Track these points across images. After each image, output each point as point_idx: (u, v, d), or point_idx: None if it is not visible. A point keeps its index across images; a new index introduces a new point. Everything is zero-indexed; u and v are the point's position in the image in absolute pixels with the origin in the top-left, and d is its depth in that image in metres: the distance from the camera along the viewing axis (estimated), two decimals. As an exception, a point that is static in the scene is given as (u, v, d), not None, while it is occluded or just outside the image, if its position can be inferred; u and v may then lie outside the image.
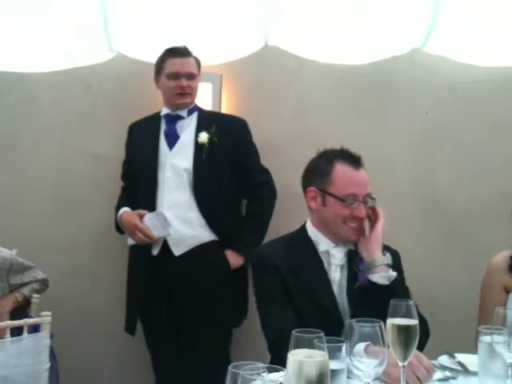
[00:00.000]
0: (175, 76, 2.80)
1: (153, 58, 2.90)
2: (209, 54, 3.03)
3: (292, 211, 3.03)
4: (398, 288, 1.88)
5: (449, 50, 3.00)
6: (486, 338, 1.57)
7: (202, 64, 2.90)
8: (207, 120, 2.85)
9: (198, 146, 2.78)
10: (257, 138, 3.01)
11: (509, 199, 2.42)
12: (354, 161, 2.00)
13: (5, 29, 2.96)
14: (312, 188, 2.04)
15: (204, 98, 3.07)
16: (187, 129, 2.84)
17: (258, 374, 1.07)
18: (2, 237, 2.66)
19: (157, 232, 2.72)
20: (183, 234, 2.74)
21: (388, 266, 1.92)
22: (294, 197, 3.02)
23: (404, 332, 1.42)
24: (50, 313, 2.20)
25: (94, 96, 3.19)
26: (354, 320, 1.37)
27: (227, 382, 1.07)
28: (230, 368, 1.08)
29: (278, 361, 1.21)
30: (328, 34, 2.96)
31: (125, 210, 2.84)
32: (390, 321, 1.43)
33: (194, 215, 2.76)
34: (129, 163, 2.97)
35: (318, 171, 2.04)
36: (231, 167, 2.84)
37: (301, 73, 3.15)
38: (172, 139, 2.83)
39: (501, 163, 3.01)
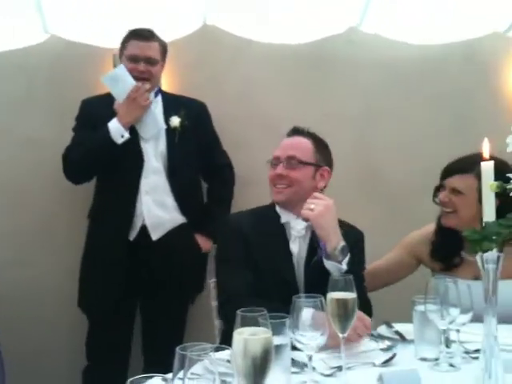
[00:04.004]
0: (134, 59, 2.74)
1: (88, 39, 2.83)
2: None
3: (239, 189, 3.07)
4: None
5: (383, 28, 3.08)
6: (419, 308, 1.66)
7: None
8: (173, 103, 2.84)
9: (170, 130, 2.77)
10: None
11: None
12: None
13: None
14: None
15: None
16: (155, 112, 2.80)
17: (206, 354, 1.10)
18: None
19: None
20: (161, 218, 2.74)
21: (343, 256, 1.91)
22: (240, 176, 3.08)
23: (342, 305, 1.48)
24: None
25: (29, 79, 3.09)
26: (295, 296, 1.43)
27: (175, 363, 1.09)
28: (177, 349, 1.10)
29: (225, 321, 1.20)
30: (266, 13, 2.98)
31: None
32: (330, 295, 1.49)
33: (169, 199, 2.76)
34: None
35: None
36: (198, 150, 2.85)
37: (243, 52, 3.16)
38: None
39: (435, 136, 3.13)
